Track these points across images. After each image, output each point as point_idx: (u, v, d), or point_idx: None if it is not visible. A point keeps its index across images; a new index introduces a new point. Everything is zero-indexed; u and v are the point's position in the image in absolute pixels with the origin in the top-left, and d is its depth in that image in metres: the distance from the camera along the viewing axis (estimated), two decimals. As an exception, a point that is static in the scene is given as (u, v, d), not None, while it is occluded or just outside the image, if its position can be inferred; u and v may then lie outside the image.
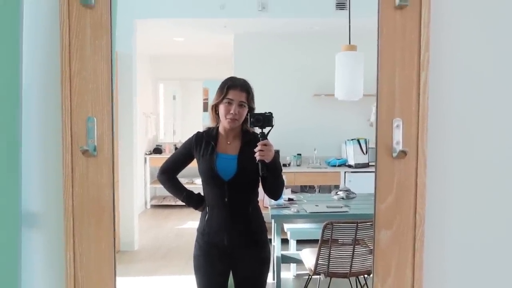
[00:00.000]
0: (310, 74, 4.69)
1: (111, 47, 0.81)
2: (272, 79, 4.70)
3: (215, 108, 1.78)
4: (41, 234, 0.90)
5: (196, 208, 1.88)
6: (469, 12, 0.89)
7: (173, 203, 6.32)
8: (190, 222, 5.61)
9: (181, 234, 5.11)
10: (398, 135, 0.84)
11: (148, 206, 6.30)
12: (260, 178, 1.77)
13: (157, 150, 6.01)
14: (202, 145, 1.82)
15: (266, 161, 1.68)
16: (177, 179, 1.93)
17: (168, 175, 1.91)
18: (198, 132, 1.86)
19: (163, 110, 6.45)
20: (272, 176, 1.74)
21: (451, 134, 0.89)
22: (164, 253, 4.30)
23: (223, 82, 1.80)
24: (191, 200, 1.88)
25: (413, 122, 0.84)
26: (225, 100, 1.73)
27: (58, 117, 0.83)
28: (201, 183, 1.96)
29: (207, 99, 6.35)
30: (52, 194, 0.87)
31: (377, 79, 0.86)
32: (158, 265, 3.97)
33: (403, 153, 0.83)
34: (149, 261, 4.08)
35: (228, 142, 1.80)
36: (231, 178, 1.76)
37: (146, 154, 5.82)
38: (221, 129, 1.80)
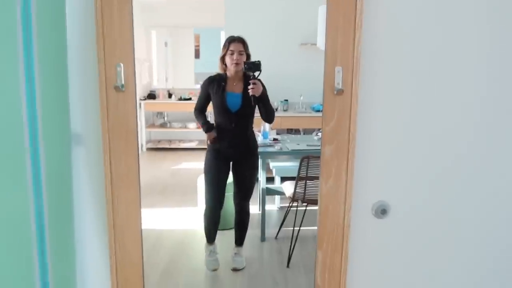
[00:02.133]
0: (297, 24, 4.87)
1: (132, 13, 1.12)
2: (262, 27, 4.87)
3: (223, 59, 2.44)
4: (84, 150, 1.25)
5: (206, 131, 2.56)
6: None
7: (168, 146, 6.69)
8: (184, 163, 6.02)
9: (176, 174, 5.52)
10: (338, 78, 1.17)
11: (144, 149, 6.66)
12: (257, 108, 2.46)
13: (151, 96, 6.24)
14: (215, 86, 2.47)
15: (256, 95, 2.36)
16: (204, 114, 2.59)
17: (199, 111, 2.56)
18: (210, 77, 2.53)
19: (156, 57, 6.60)
20: (263, 106, 2.44)
21: (378, 78, 1.23)
22: (161, 190, 4.72)
23: (225, 40, 2.47)
24: (207, 125, 2.55)
25: (349, 69, 1.17)
26: (228, 52, 2.40)
27: (95, 64, 1.15)
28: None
29: (198, 46, 6.50)
30: (92, 120, 1.21)
31: (326, 37, 1.18)
32: (156, 199, 4.40)
33: (341, 90, 1.17)
34: (148, 196, 4.49)
35: (234, 84, 2.46)
36: (237, 109, 2.43)
37: (141, 99, 6.04)
38: (228, 74, 2.45)
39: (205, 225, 2.79)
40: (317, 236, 1.28)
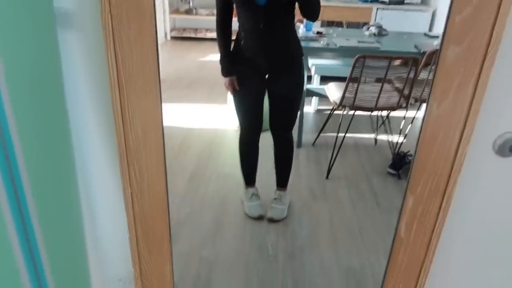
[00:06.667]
0: None
1: None
2: None
3: None
4: (79, 36, 0.84)
5: (224, 74, 1.89)
6: None
7: (193, 35, 6.15)
8: (212, 55, 5.55)
9: (203, 67, 5.11)
10: None
11: (168, 38, 6.14)
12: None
13: (176, -24, 5.54)
14: None
15: None
16: (229, 32, 1.85)
17: (222, 18, 1.81)
18: None
19: None
20: None
21: None
22: (188, 83, 4.38)
23: None
24: (226, 62, 1.87)
25: None
26: None
27: None
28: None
29: None
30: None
31: None
32: (183, 93, 4.09)
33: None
34: (175, 90, 4.18)
35: None
36: (266, 2, 1.68)
37: (164, -21, 5.38)
38: None
39: (241, 159, 2.21)
40: (410, 176, 0.91)
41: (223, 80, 1.92)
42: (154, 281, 1.07)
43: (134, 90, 0.85)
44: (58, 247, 0.87)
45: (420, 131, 0.85)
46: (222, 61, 1.90)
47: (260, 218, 2.17)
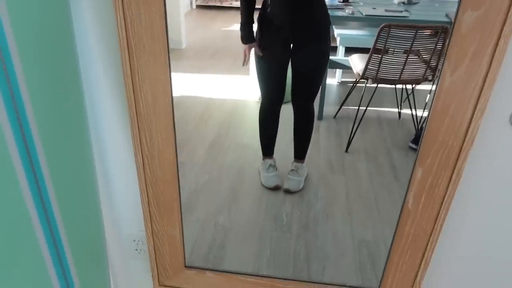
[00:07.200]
0: None
1: None
2: None
3: None
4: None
5: (244, 41, 1.88)
6: None
7: (219, 4, 6.06)
8: (236, 24, 5.47)
9: (228, 36, 5.03)
10: None
11: (194, 6, 6.09)
12: None
13: None
14: None
15: None
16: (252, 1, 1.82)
17: None
18: None
19: None
20: None
21: None
22: (212, 53, 4.35)
23: None
24: (247, 29, 1.84)
25: None
26: None
27: None
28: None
29: None
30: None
31: None
32: (206, 63, 4.06)
33: None
34: (198, 59, 4.16)
35: None
36: None
37: None
38: None
39: (260, 129, 2.22)
40: (420, 147, 0.89)
41: (242, 47, 1.91)
42: (165, 241, 1.11)
43: (143, 53, 0.85)
44: (72, 208, 0.91)
45: (433, 100, 0.83)
46: (242, 27, 1.88)
47: (276, 188, 2.19)
